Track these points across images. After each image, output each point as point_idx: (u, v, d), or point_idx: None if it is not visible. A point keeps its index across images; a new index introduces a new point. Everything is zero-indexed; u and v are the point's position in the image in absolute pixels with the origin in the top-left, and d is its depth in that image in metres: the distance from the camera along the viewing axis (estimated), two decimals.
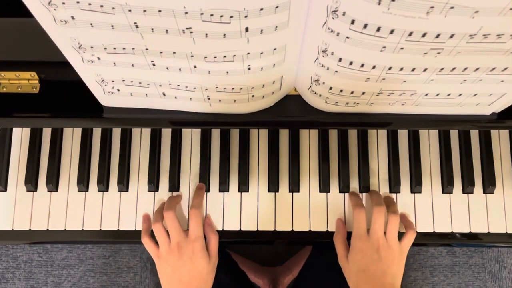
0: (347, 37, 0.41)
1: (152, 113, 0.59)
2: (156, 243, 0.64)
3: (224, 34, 0.41)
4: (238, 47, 0.44)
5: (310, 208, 0.68)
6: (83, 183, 0.69)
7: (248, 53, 0.45)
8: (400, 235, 0.64)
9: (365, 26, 0.39)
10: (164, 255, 0.62)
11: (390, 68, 0.46)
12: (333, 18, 0.40)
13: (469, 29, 0.39)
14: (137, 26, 0.41)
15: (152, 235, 0.65)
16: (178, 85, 0.52)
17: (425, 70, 0.46)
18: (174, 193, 0.69)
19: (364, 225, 0.62)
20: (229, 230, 0.68)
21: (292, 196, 0.69)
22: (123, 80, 0.52)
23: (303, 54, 0.49)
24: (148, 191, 0.69)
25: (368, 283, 0.59)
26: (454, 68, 0.46)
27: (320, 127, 0.69)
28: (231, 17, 0.39)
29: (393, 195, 0.69)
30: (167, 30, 0.41)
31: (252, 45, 0.43)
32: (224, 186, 0.69)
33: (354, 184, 0.69)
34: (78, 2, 0.38)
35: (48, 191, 0.69)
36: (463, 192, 0.69)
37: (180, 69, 0.48)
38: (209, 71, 0.48)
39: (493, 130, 0.71)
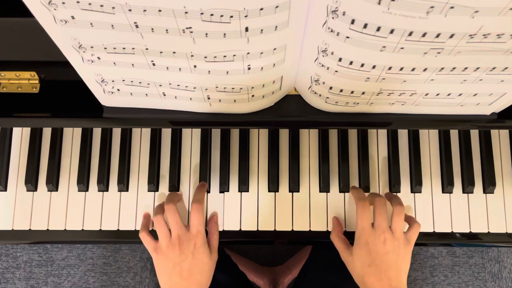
0: (347, 37, 0.41)
1: (152, 113, 0.59)
2: (154, 238, 0.63)
3: (224, 34, 0.41)
4: (238, 47, 0.44)
5: (310, 208, 0.68)
6: (83, 183, 0.69)
7: (248, 53, 0.45)
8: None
9: (365, 26, 0.39)
10: (164, 249, 0.61)
11: (390, 68, 0.46)
12: (333, 18, 0.40)
13: (469, 29, 0.39)
14: (137, 26, 0.41)
15: (151, 232, 0.65)
16: (178, 85, 0.52)
17: (425, 70, 0.46)
18: None
19: (368, 218, 0.61)
20: (229, 230, 0.68)
21: (292, 196, 0.69)
22: (123, 80, 0.52)
23: (303, 54, 0.49)
24: (148, 191, 0.69)
25: (374, 277, 0.58)
26: (454, 68, 0.46)
27: (320, 127, 0.69)
28: (231, 17, 0.39)
29: None
30: (167, 30, 0.41)
31: (252, 45, 0.43)
32: (224, 186, 0.69)
33: (354, 184, 0.69)
34: (78, 2, 0.38)
35: (48, 191, 0.69)
36: (463, 192, 0.70)
37: (180, 69, 0.48)
38: (209, 71, 0.48)
39: (493, 130, 0.71)
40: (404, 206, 0.67)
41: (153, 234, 0.64)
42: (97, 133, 0.71)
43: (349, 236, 0.66)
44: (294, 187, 0.69)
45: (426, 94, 0.53)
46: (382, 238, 0.59)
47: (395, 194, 0.67)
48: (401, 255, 0.59)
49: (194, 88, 0.52)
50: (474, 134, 0.71)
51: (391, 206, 0.64)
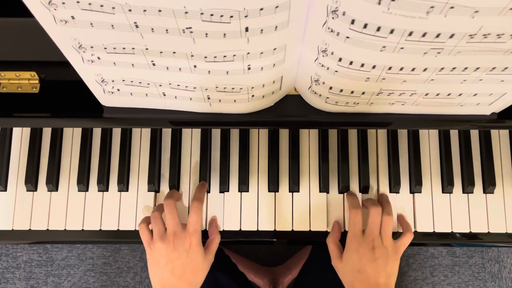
0: (347, 37, 0.41)
1: (152, 113, 0.59)
2: (151, 233, 0.62)
3: (224, 34, 0.41)
4: (238, 47, 0.44)
5: (310, 208, 0.68)
6: (83, 183, 0.69)
7: (248, 53, 0.45)
8: (397, 236, 0.64)
9: (365, 26, 0.39)
10: (158, 244, 0.60)
11: (390, 68, 0.46)
12: (333, 18, 0.40)
13: (469, 29, 0.39)
14: (137, 26, 0.41)
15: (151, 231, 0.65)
16: (178, 85, 0.52)
17: (425, 70, 0.46)
18: None
19: (360, 225, 0.63)
20: (229, 230, 0.68)
21: (292, 196, 0.69)
22: (123, 80, 0.52)
23: (303, 54, 0.49)
24: (148, 191, 0.69)
25: (363, 283, 0.59)
26: (454, 68, 0.46)
27: (320, 127, 0.69)
28: (231, 17, 0.39)
29: (393, 195, 0.69)
30: (167, 30, 0.41)
31: (252, 45, 0.43)
32: (224, 186, 0.69)
33: (354, 184, 0.69)
34: (78, 2, 0.38)
35: (48, 191, 0.69)
36: (463, 192, 0.69)
37: (180, 69, 0.48)
38: (209, 71, 0.48)
39: (493, 130, 0.71)
40: (399, 213, 0.68)
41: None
42: (97, 133, 0.71)
43: (343, 237, 0.66)
44: (294, 187, 0.69)
45: (426, 94, 0.53)
46: (371, 245, 0.60)
47: (388, 200, 0.68)
48: (389, 262, 0.60)
49: (194, 88, 0.52)
50: (474, 134, 0.71)
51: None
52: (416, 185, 0.69)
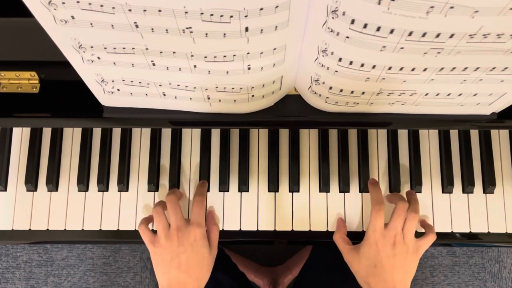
0: (347, 37, 0.41)
1: (152, 113, 0.59)
2: (153, 232, 0.62)
3: (224, 34, 0.41)
4: (238, 47, 0.44)
5: (310, 208, 0.68)
6: (83, 183, 0.69)
7: (248, 53, 0.45)
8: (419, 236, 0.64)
9: (365, 25, 0.39)
10: (162, 241, 0.60)
11: (390, 68, 0.46)
12: (333, 18, 0.40)
13: (469, 29, 0.39)
14: (137, 26, 0.41)
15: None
16: (178, 85, 0.52)
17: (425, 70, 0.46)
18: None
19: (382, 221, 0.61)
20: (229, 230, 0.68)
21: (292, 196, 0.69)
22: (123, 80, 0.52)
23: (303, 54, 0.49)
24: (148, 191, 0.69)
25: (379, 278, 0.58)
26: (454, 68, 0.46)
27: (320, 127, 0.69)
28: (231, 16, 0.39)
29: None
30: (167, 30, 0.41)
31: (252, 45, 0.43)
32: (224, 186, 0.69)
33: (354, 184, 0.69)
34: (78, 2, 0.38)
35: (48, 191, 0.69)
36: (463, 192, 0.69)
37: (180, 68, 0.48)
38: (209, 71, 0.48)
39: (493, 130, 0.71)
40: (420, 214, 0.67)
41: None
42: (97, 133, 0.71)
43: (350, 237, 0.66)
44: (294, 187, 0.69)
45: (426, 94, 0.53)
46: (392, 241, 0.59)
47: (416, 198, 0.66)
48: (408, 260, 0.59)
49: (194, 88, 0.52)
50: (474, 134, 0.71)
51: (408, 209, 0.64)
52: (416, 185, 0.69)
